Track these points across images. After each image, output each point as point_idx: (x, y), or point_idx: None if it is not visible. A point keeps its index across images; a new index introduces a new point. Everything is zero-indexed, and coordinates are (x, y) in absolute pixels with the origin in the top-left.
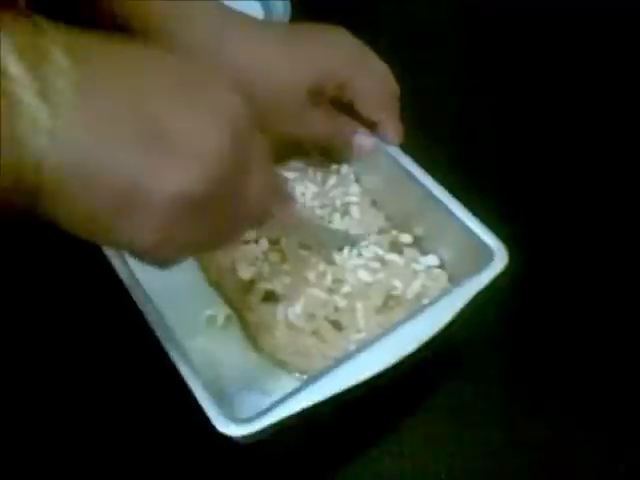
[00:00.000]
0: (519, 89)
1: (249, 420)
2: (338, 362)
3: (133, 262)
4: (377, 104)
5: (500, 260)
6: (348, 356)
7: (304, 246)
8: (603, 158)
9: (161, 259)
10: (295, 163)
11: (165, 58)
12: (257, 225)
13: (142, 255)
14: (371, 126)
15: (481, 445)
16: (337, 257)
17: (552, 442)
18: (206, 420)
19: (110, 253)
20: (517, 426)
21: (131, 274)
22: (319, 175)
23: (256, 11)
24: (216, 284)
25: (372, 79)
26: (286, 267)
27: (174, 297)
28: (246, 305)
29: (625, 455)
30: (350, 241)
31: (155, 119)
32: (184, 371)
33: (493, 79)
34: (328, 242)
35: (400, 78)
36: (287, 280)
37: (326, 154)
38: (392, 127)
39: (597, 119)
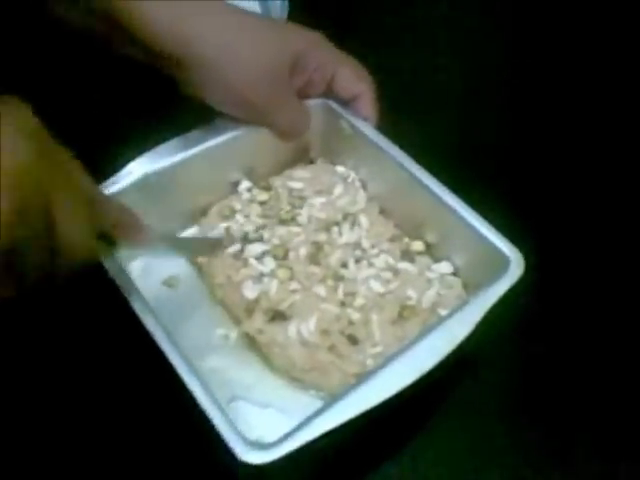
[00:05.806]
0: (535, 86)
1: (272, 445)
2: (359, 381)
3: (142, 284)
4: (357, 78)
5: (516, 267)
6: (368, 375)
7: (313, 261)
8: (617, 161)
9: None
10: (301, 173)
11: None
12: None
13: None
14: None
15: (493, 457)
16: (346, 270)
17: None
18: (219, 444)
19: (120, 277)
20: (531, 437)
21: (140, 295)
22: (325, 184)
23: (254, 11)
24: (222, 303)
25: (352, 65)
26: (295, 284)
27: (185, 317)
28: (254, 324)
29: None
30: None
31: None
32: (198, 394)
33: (506, 76)
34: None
35: (401, 77)
36: (297, 297)
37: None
38: (370, 101)
39: (616, 122)
